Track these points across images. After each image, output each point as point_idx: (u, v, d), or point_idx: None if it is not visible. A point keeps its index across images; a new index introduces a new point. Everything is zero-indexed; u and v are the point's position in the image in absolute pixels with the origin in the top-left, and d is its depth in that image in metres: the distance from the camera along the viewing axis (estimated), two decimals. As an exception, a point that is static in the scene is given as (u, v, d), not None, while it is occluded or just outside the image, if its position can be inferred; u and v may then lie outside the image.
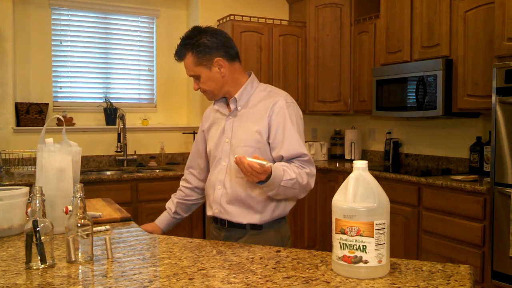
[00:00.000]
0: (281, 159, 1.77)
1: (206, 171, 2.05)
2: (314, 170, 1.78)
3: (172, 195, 2.13)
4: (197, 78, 1.83)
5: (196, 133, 4.48)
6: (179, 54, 1.82)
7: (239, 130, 1.82)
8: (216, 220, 1.89)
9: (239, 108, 1.85)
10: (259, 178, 1.57)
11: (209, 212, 1.91)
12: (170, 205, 2.10)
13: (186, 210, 2.11)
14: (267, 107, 1.80)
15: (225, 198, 1.81)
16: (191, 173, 2.10)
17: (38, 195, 1.33)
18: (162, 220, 2.08)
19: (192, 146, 2.13)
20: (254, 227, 1.81)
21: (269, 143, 1.79)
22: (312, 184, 1.78)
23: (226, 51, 1.81)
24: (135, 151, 4.34)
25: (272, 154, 1.79)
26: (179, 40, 1.83)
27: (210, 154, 1.93)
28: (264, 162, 1.52)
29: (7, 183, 3.15)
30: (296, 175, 1.69)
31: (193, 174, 2.09)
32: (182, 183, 2.13)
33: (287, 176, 1.66)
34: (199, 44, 1.78)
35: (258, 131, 1.78)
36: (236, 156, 1.56)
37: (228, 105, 1.90)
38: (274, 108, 1.79)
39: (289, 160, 1.76)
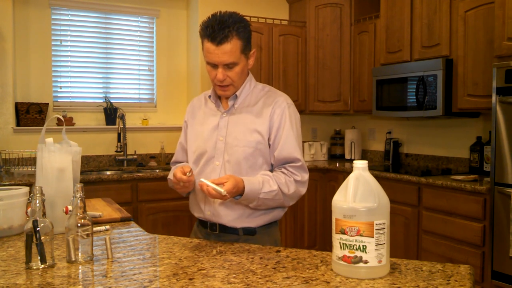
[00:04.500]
0: (274, 159, 1.71)
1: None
2: (306, 177, 1.71)
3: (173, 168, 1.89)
4: (230, 67, 1.64)
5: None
6: (227, 35, 1.59)
7: (235, 128, 1.72)
8: (205, 224, 1.76)
9: (235, 106, 1.75)
10: (224, 199, 1.52)
11: (198, 214, 1.77)
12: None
13: None
14: (268, 107, 1.72)
15: (219, 200, 1.63)
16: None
17: (38, 195, 1.33)
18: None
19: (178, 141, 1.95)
20: (247, 232, 1.71)
21: (269, 144, 1.71)
22: (303, 191, 1.71)
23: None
24: (135, 151, 4.34)
25: (271, 155, 1.72)
26: (218, 22, 1.59)
27: (197, 151, 1.77)
28: (221, 190, 1.47)
29: (7, 183, 3.15)
30: (280, 185, 1.63)
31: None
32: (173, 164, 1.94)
33: (267, 188, 1.61)
34: (249, 30, 1.64)
35: (259, 131, 1.69)
36: (200, 180, 1.49)
37: (221, 101, 1.79)
38: (275, 109, 1.71)
39: (282, 163, 1.70)
